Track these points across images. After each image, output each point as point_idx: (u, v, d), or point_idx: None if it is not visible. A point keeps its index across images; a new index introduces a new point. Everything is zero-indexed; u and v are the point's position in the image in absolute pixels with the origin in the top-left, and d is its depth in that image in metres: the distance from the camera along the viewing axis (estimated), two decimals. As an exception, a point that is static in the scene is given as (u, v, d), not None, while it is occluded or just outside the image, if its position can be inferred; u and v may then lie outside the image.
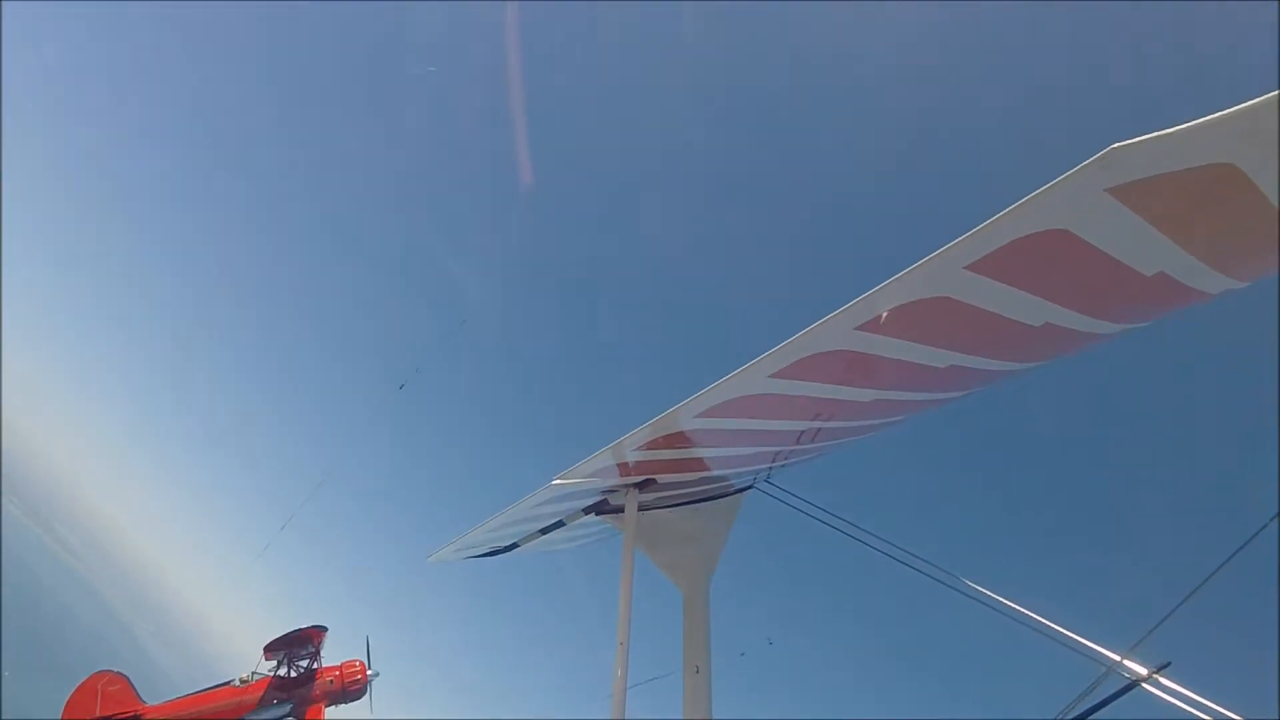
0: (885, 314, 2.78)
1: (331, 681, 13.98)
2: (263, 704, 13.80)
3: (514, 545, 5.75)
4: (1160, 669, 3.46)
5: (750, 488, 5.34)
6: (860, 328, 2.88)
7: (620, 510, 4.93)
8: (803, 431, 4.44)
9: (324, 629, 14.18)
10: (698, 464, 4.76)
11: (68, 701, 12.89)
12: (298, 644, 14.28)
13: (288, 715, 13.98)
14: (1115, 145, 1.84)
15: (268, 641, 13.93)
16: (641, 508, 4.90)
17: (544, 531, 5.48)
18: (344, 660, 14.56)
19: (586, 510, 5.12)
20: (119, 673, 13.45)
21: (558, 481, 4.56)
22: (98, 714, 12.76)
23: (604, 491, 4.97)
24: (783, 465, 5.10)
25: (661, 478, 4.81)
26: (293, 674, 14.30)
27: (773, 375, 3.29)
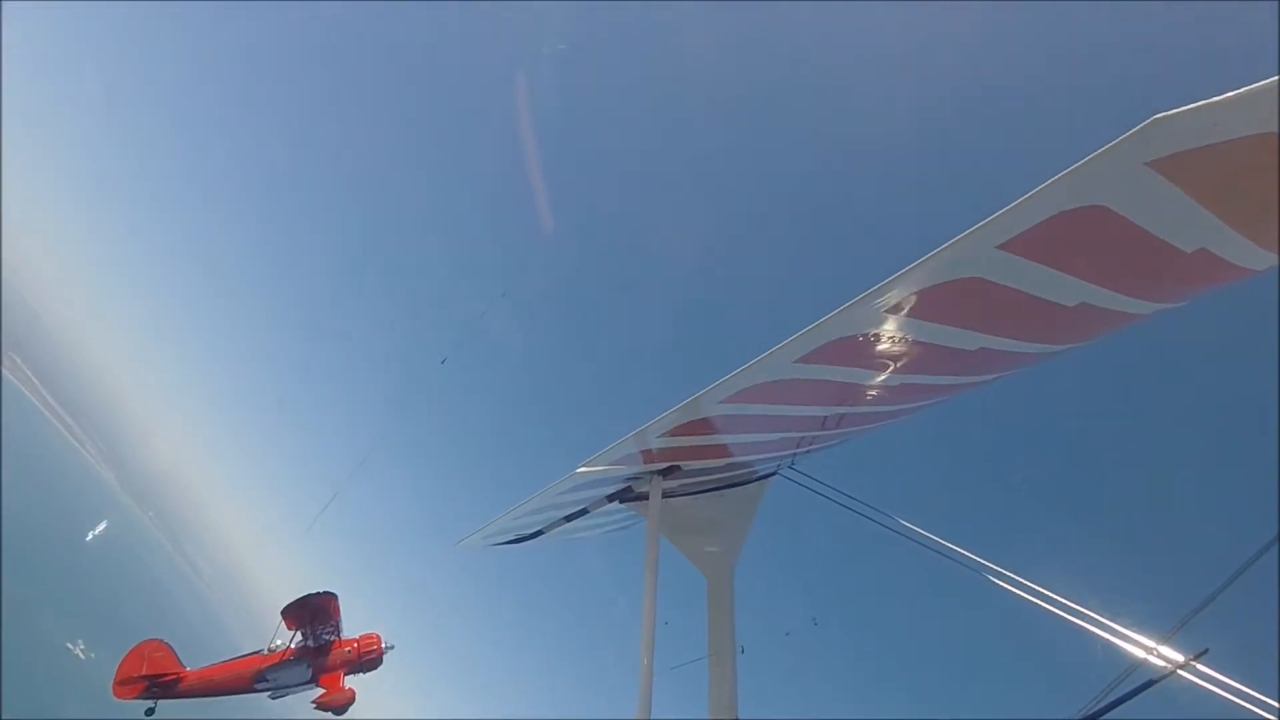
0: (913, 296, 2.69)
1: (349, 651, 14.79)
2: (284, 663, 14.82)
3: (539, 532, 5.77)
4: (1198, 656, 3.38)
5: (774, 474, 5.29)
6: (888, 311, 2.80)
7: (644, 497, 4.91)
8: (828, 417, 4.38)
9: (334, 595, 14.56)
10: (722, 450, 4.72)
11: (119, 665, 14.33)
12: (319, 615, 14.71)
13: (308, 680, 14.90)
14: (1157, 116, 1.76)
15: (284, 606, 14.48)
16: (666, 495, 4.88)
17: (568, 519, 5.49)
18: (362, 634, 15.30)
19: (610, 497, 5.11)
20: (164, 640, 14.91)
21: (582, 470, 4.55)
22: (144, 672, 14.35)
23: (628, 479, 4.97)
24: (807, 451, 5.04)
25: (686, 464, 4.79)
26: (312, 645, 15.04)
27: (798, 360, 3.22)
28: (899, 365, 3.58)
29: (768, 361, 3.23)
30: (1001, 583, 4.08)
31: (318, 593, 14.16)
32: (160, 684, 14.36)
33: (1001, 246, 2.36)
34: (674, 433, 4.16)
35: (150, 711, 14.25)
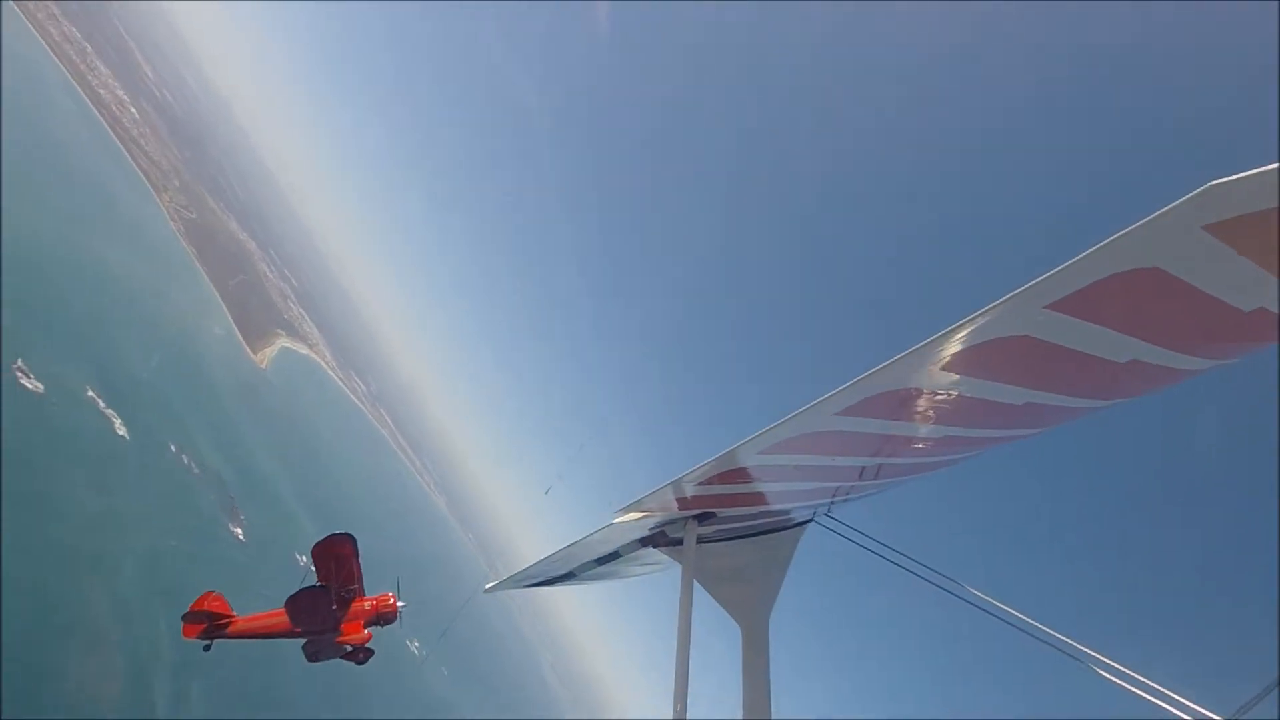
0: (960, 353, 2.71)
1: (369, 606, 16.10)
2: None
3: (570, 575, 5.69)
4: None
5: (810, 521, 5.21)
6: (933, 366, 2.82)
7: (677, 542, 4.86)
8: (865, 467, 4.34)
9: (352, 537, 15.26)
10: (758, 498, 4.67)
11: (186, 612, 16.52)
12: (340, 560, 15.32)
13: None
14: (1213, 182, 1.81)
15: (315, 545, 15.29)
16: (700, 540, 4.82)
17: (600, 562, 5.41)
18: (378, 594, 16.52)
19: (643, 541, 5.05)
20: (219, 593, 17.08)
21: (619, 520, 4.53)
22: (205, 610, 16.70)
23: (662, 523, 4.93)
24: (844, 500, 4.99)
25: (721, 511, 4.74)
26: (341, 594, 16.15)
27: (839, 413, 3.22)
28: (942, 418, 3.55)
29: (809, 414, 3.22)
30: (1048, 643, 3.96)
31: (340, 533, 15.12)
32: (216, 626, 16.57)
33: (1050, 307, 2.39)
34: (711, 481, 4.13)
35: (207, 648, 16.60)
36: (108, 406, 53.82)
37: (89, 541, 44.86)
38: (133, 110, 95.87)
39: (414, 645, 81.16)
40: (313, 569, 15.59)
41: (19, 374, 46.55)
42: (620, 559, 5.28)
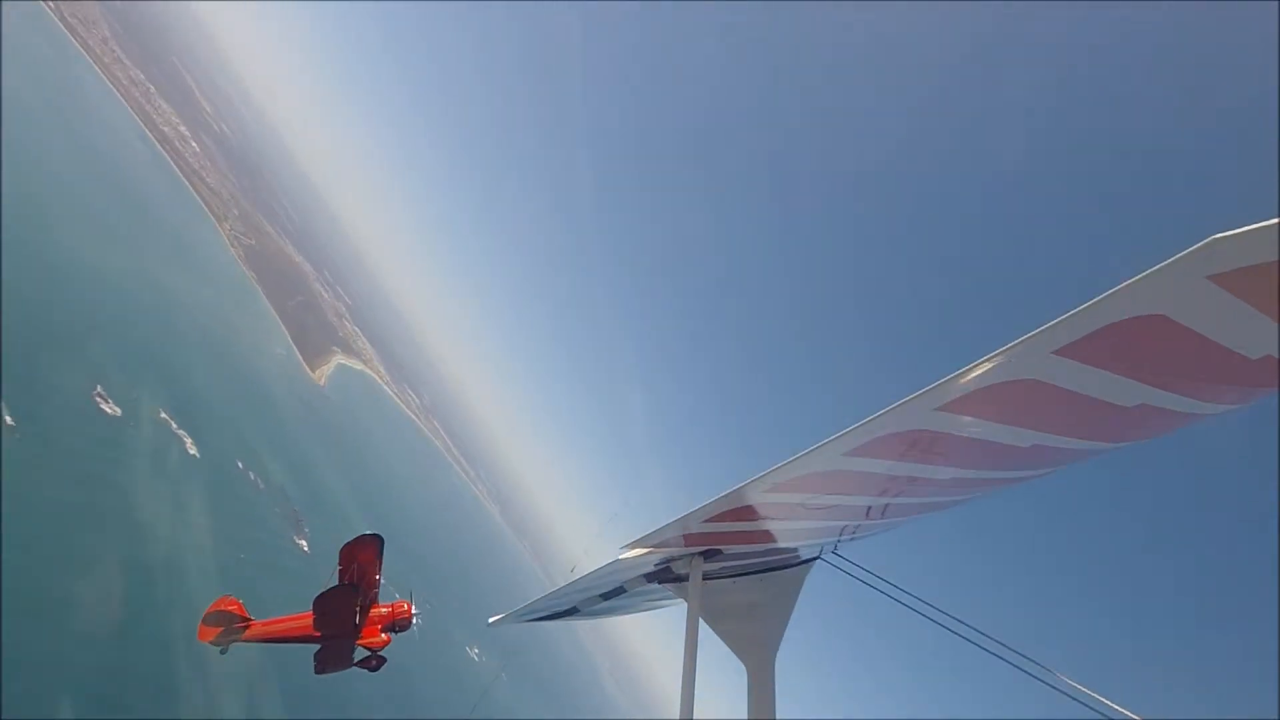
0: (968, 396, 2.73)
1: (386, 612, 16.10)
2: None
3: (574, 610, 5.70)
4: None
5: (817, 559, 5.11)
6: (941, 409, 2.84)
7: (682, 578, 4.81)
8: (872, 507, 4.24)
9: (380, 540, 15.03)
10: (765, 536, 4.60)
11: (206, 614, 16.36)
12: (369, 569, 15.31)
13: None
14: (1217, 236, 1.83)
15: (344, 545, 15.15)
16: (705, 576, 4.77)
17: (605, 597, 5.41)
18: (394, 602, 16.56)
19: (649, 577, 5.02)
20: (235, 597, 17.06)
21: (625, 556, 4.53)
22: (224, 611, 16.68)
23: (667, 559, 4.88)
24: (851, 538, 4.86)
25: (727, 548, 4.68)
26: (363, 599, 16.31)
27: (847, 454, 3.24)
28: (950, 459, 3.53)
29: (817, 454, 3.24)
30: (1063, 692, 3.76)
31: (370, 534, 15.00)
32: (234, 629, 16.52)
33: (1058, 352, 2.41)
34: (717, 518, 4.14)
35: (224, 651, 16.54)
36: (179, 427, 56.98)
37: (165, 555, 47.52)
38: (194, 145, 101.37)
39: (474, 651, 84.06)
40: (338, 569, 15.44)
41: (99, 400, 49.73)
42: (625, 594, 5.26)
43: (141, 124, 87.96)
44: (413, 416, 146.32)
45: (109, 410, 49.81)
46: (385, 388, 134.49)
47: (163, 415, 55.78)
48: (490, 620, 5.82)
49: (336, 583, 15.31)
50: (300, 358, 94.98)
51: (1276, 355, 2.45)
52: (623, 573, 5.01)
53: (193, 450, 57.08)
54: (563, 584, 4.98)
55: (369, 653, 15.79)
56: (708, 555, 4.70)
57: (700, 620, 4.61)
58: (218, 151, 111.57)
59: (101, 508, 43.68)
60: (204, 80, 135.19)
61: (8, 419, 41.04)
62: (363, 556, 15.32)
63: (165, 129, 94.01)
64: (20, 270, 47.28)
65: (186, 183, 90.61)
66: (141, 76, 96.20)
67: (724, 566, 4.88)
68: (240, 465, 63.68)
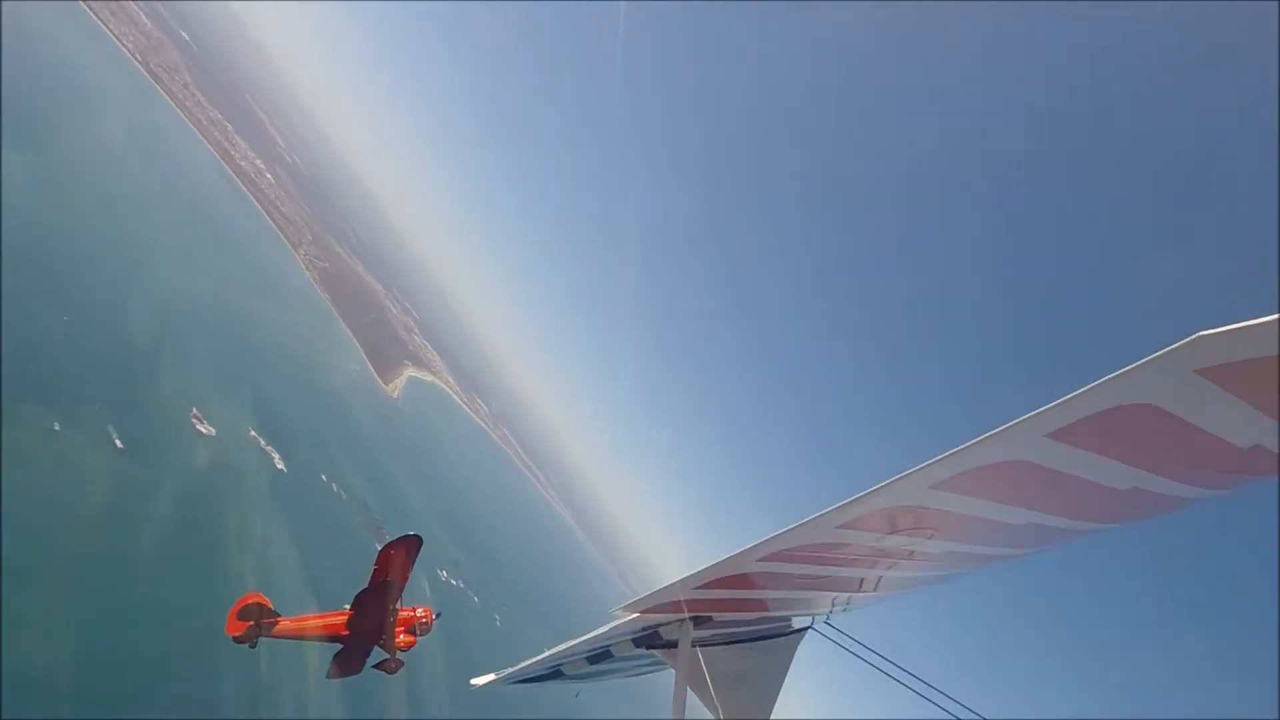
0: (961, 475, 2.80)
1: (409, 615, 15.85)
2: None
3: (558, 672, 5.63)
4: None
5: (809, 628, 4.87)
6: (935, 486, 2.88)
7: (671, 644, 4.65)
8: (865, 578, 4.01)
9: (420, 541, 14.47)
10: (757, 604, 4.45)
11: (236, 609, 15.75)
12: (405, 570, 15.29)
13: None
14: (1202, 333, 1.90)
15: (387, 544, 14.69)
16: (695, 643, 4.60)
17: (590, 660, 5.30)
18: (418, 605, 16.43)
19: (636, 642, 4.87)
20: (260, 593, 16.82)
21: (615, 619, 4.46)
22: (256, 604, 16.26)
23: (657, 624, 4.70)
24: (844, 609, 4.58)
25: (719, 615, 4.50)
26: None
27: (841, 526, 3.27)
28: (943, 534, 3.47)
29: (810, 526, 3.29)
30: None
31: (412, 535, 14.54)
32: (263, 624, 16.03)
33: (1051, 435, 2.48)
34: (709, 585, 4.08)
35: (253, 646, 15.93)
36: (267, 444, 60.83)
37: (258, 564, 50.83)
38: (269, 176, 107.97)
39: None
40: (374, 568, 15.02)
41: (195, 421, 53.70)
42: (613, 659, 5.12)
43: (221, 160, 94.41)
44: (482, 424, 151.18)
45: (205, 431, 53.68)
46: (455, 397, 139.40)
47: (252, 433, 59.68)
48: (473, 682, 5.79)
49: (372, 582, 14.98)
50: (374, 372, 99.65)
51: (1266, 446, 2.50)
52: (610, 636, 4.87)
53: (280, 465, 60.82)
54: (548, 651, 4.88)
55: (385, 655, 15.44)
56: (698, 622, 4.54)
57: (689, 689, 4.45)
58: (290, 181, 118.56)
59: (204, 521, 47.13)
60: (275, 114, 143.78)
61: (118, 442, 44.99)
62: (404, 557, 15.01)
63: (243, 164, 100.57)
64: (122, 303, 51.74)
65: (263, 212, 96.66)
66: (219, 116, 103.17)
67: (714, 634, 4.71)
68: (324, 478, 67.35)
